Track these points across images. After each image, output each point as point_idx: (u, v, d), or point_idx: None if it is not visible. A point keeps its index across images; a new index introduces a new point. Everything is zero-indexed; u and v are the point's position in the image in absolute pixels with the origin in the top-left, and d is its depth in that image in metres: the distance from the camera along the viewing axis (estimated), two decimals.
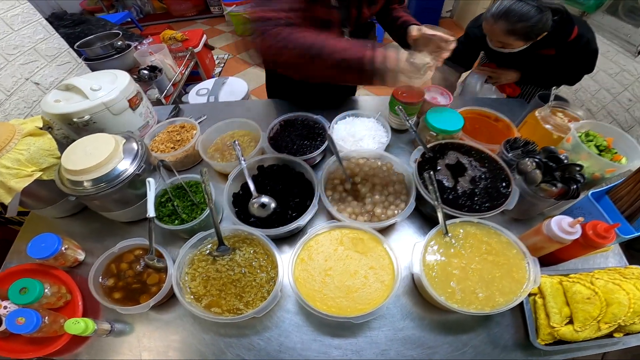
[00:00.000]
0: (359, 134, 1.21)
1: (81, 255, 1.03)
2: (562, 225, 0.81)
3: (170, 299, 0.93)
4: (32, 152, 0.95)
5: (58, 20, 2.84)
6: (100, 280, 0.91)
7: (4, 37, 1.44)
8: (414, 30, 1.17)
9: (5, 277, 0.95)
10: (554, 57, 1.50)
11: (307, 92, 1.49)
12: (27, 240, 0.92)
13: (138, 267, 0.93)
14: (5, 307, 0.83)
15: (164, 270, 0.90)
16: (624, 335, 0.82)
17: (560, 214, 0.85)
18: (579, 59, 1.52)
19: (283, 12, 0.86)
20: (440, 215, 0.89)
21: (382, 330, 0.88)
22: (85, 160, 0.90)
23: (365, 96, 1.69)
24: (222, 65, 3.82)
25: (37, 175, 0.95)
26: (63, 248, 0.94)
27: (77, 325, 0.78)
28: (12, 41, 1.47)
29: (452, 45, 1.07)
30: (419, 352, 0.85)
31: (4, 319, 0.79)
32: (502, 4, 1.33)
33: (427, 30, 1.10)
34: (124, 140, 0.98)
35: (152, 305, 0.84)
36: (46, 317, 0.80)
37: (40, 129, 1.00)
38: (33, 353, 0.84)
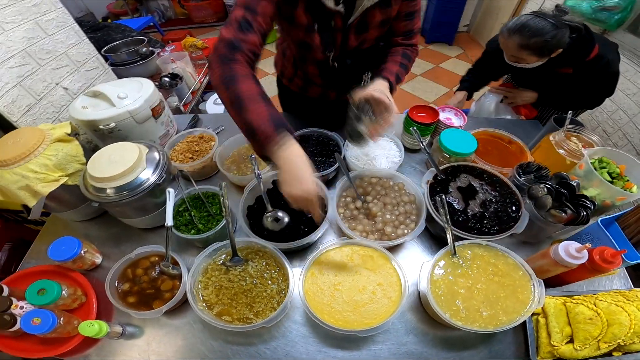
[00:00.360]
0: (372, 152, 1.24)
1: (98, 259, 1.06)
2: (569, 251, 0.82)
3: (181, 306, 0.96)
4: (60, 157, 0.99)
5: (81, 25, 2.87)
6: (116, 284, 0.94)
7: (38, 42, 1.46)
8: (361, 92, 1.03)
9: (22, 277, 0.99)
10: (571, 76, 1.49)
11: (320, 108, 1.51)
12: (46, 241, 0.95)
13: (153, 273, 0.96)
14: (21, 307, 0.85)
15: (178, 277, 0.93)
16: (623, 354, 0.83)
17: (568, 239, 0.87)
18: (597, 79, 1.49)
19: (244, 36, 0.89)
20: (449, 237, 0.90)
21: (386, 344, 0.90)
22: (110, 168, 0.94)
23: None
24: None
25: (63, 180, 0.99)
26: (82, 251, 0.97)
27: (91, 327, 0.79)
28: (45, 46, 1.49)
29: (391, 119, 1.01)
30: None
31: (19, 319, 0.81)
32: (519, 19, 1.34)
33: (375, 94, 1.00)
34: (147, 150, 1.03)
35: (164, 311, 0.87)
36: (61, 319, 0.82)
37: (68, 135, 1.05)
38: (44, 353, 0.86)
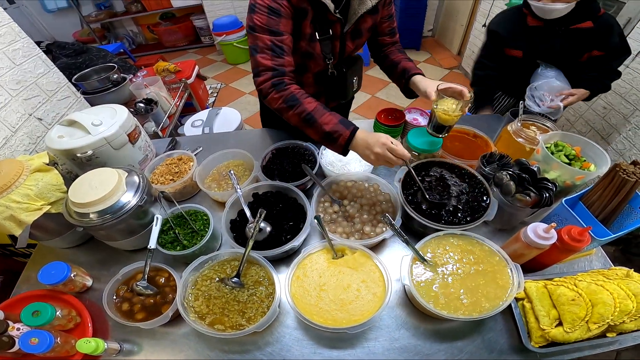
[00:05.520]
0: (346, 158, 1.29)
1: (89, 282, 1.08)
2: (537, 232, 0.87)
3: (175, 319, 0.97)
4: (40, 187, 1.01)
5: (60, 50, 2.81)
6: (114, 301, 0.97)
7: (7, 72, 1.46)
8: (433, 94, 1.11)
9: (16, 303, 1.00)
10: (593, 31, 1.52)
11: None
12: (35, 269, 0.96)
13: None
14: (18, 329, 0.87)
15: (153, 295, 0.97)
16: (618, 334, 0.86)
17: (539, 222, 0.91)
18: (614, 33, 1.53)
19: (281, 60, 1.04)
20: (411, 250, 0.94)
21: (379, 340, 0.93)
22: (91, 193, 0.96)
23: (358, 120, 1.78)
24: (215, 94, 3.93)
25: (46, 209, 1.01)
26: (72, 275, 0.99)
27: (88, 344, 0.83)
28: (14, 76, 1.49)
29: (467, 96, 1.06)
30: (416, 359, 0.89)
31: (17, 340, 0.83)
32: None
33: (441, 86, 1.09)
34: (126, 174, 1.05)
35: (159, 326, 0.91)
36: (58, 338, 0.84)
37: (47, 164, 1.06)
38: None
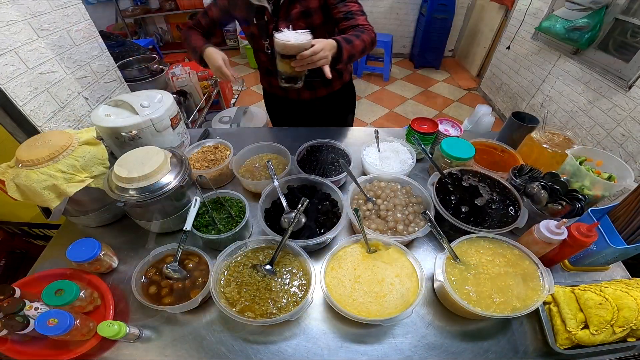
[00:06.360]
0: (387, 158, 1.35)
1: (115, 263, 1.08)
2: (549, 227, 0.92)
3: (199, 307, 0.96)
4: (87, 159, 1.03)
5: (104, 39, 2.87)
6: (142, 281, 0.96)
7: (67, 51, 1.53)
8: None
9: (35, 281, 0.99)
10: None
11: (299, 110, 1.79)
12: (59, 246, 0.95)
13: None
14: (36, 309, 0.84)
15: (182, 279, 0.95)
16: (637, 339, 0.87)
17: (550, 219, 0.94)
18: None
19: (202, 20, 1.55)
20: (446, 246, 0.95)
21: (406, 337, 0.93)
22: (137, 169, 0.98)
23: (385, 128, 1.81)
24: (237, 96, 4.01)
25: (89, 181, 1.02)
26: (101, 253, 0.98)
27: (111, 327, 0.80)
28: (73, 55, 1.56)
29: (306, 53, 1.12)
30: (442, 357, 0.89)
31: (32, 320, 0.78)
32: None
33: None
34: (171, 154, 1.08)
35: (182, 313, 0.90)
36: (77, 320, 0.80)
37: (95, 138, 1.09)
38: (54, 357, 0.84)
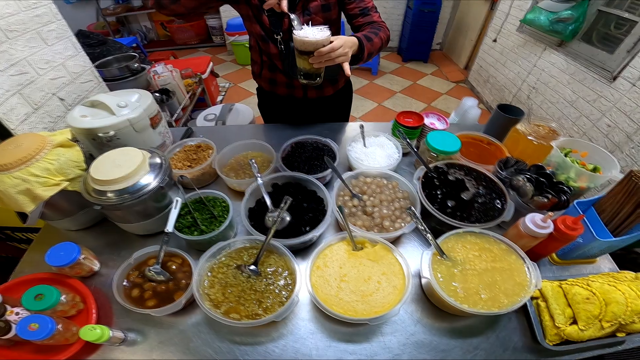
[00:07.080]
0: (373, 152, 1.33)
1: (96, 266, 1.05)
2: (535, 221, 0.91)
3: (184, 309, 0.95)
4: (61, 162, 0.99)
5: (85, 38, 2.88)
6: (124, 286, 0.93)
7: (38, 52, 1.49)
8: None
9: (16, 286, 0.96)
10: None
11: (293, 108, 1.70)
12: (39, 251, 0.93)
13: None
14: (17, 314, 0.82)
15: (165, 282, 0.94)
16: (627, 334, 0.87)
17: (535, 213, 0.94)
18: None
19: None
20: (432, 241, 0.94)
21: (395, 335, 0.92)
22: (114, 171, 0.95)
23: (373, 122, 1.80)
24: (224, 93, 3.97)
25: (64, 185, 0.99)
26: (81, 257, 0.96)
27: (93, 331, 0.78)
28: (44, 56, 1.52)
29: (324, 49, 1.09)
30: (431, 355, 0.88)
31: (14, 325, 0.78)
32: None
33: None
34: (149, 155, 1.05)
35: (167, 315, 0.88)
36: (59, 325, 0.79)
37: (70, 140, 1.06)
38: None
